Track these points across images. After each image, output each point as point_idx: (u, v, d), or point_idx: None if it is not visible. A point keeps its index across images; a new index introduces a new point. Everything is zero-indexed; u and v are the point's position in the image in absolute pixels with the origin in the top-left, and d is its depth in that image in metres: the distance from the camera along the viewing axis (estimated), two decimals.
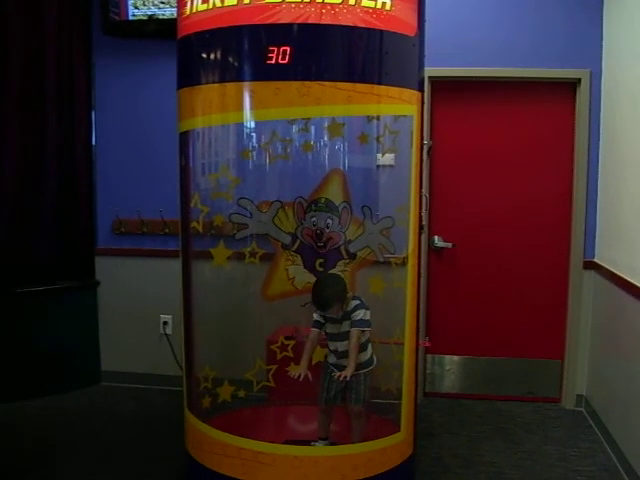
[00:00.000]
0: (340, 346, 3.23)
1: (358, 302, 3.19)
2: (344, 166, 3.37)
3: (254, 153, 3.28)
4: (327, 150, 3.33)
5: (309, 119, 3.25)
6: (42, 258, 4.84)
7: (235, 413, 3.59)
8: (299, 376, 3.18)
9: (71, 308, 4.95)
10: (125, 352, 5.04)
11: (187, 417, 3.31)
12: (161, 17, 4.61)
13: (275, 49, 2.75)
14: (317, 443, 3.26)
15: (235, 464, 3.01)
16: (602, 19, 4.46)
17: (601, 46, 4.48)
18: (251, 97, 2.88)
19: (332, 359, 3.28)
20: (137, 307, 4.97)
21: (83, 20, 4.88)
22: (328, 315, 3.18)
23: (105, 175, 5.01)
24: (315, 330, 3.25)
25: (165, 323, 4.93)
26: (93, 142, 5.00)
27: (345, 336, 3.19)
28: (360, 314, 3.15)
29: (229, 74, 2.92)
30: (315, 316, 3.24)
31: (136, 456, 3.87)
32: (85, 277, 5.04)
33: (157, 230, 4.87)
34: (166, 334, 4.93)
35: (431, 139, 4.57)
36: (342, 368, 3.16)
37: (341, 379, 3.11)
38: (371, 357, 3.29)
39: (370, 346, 3.27)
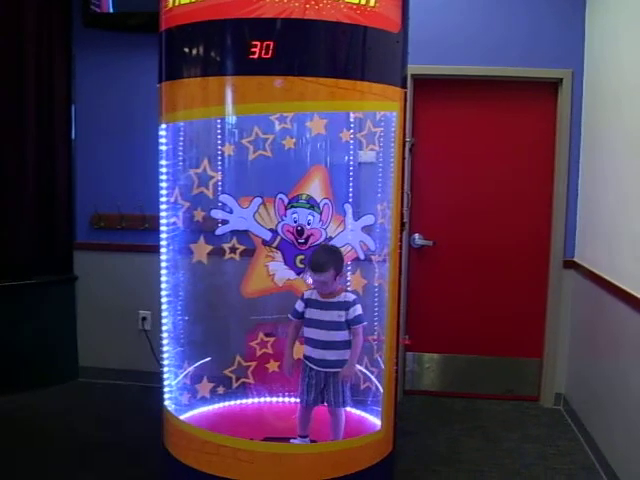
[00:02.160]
0: (319, 334, 3.13)
1: (355, 297, 3.15)
2: (326, 162, 3.36)
3: (235, 148, 3.26)
4: (309, 146, 3.31)
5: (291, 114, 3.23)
6: (20, 252, 4.79)
7: (214, 410, 3.57)
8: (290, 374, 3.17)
9: (49, 303, 4.91)
10: (103, 348, 5.00)
11: (165, 414, 3.29)
12: (142, 10, 4.56)
13: (258, 44, 2.73)
14: (296, 441, 3.24)
15: (214, 461, 2.99)
16: (584, 19, 4.48)
17: (583, 46, 4.50)
18: (233, 92, 2.85)
19: (307, 350, 3.17)
20: (116, 302, 4.93)
21: (63, 12, 4.83)
22: (314, 297, 3.13)
23: (84, 169, 4.97)
24: (294, 320, 3.20)
25: (144, 319, 4.90)
26: (72, 136, 4.96)
27: (328, 326, 3.11)
28: (358, 309, 3.10)
29: (211, 68, 2.90)
30: (297, 305, 3.20)
31: (114, 453, 3.85)
32: (63, 272, 5.01)
33: (137, 225, 4.84)
34: (145, 330, 4.90)
35: (413, 137, 4.57)
36: (317, 361, 3.12)
37: (346, 380, 3.11)
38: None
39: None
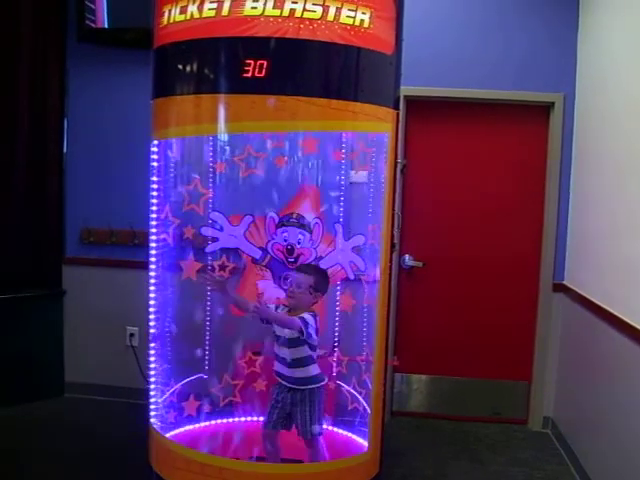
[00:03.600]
0: (280, 351, 3.18)
1: (313, 313, 3.14)
2: (317, 182, 3.36)
3: (227, 166, 3.26)
4: (300, 165, 3.31)
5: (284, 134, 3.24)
6: (8, 265, 4.76)
7: (200, 428, 3.55)
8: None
9: (36, 317, 4.86)
10: (90, 363, 4.96)
11: (151, 431, 3.27)
12: (137, 26, 4.57)
13: (252, 62, 2.74)
14: None
15: None
16: (576, 45, 4.51)
17: (575, 71, 4.52)
18: (226, 110, 2.86)
19: (277, 366, 3.21)
20: (103, 318, 4.90)
21: (58, 27, 4.82)
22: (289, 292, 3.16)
23: (75, 183, 4.95)
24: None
25: (131, 335, 4.87)
26: (64, 150, 4.94)
27: (287, 343, 3.13)
28: (308, 318, 3.07)
29: (204, 86, 2.91)
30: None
31: (99, 470, 3.81)
32: (52, 286, 4.97)
33: (126, 240, 4.82)
34: (132, 346, 4.87)
35: (405, 158, 4.58)
36: (281, 376, 3.15)
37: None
38: (320, 375, 3.21)
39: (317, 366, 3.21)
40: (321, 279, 3.16)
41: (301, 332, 3.05)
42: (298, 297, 3.12)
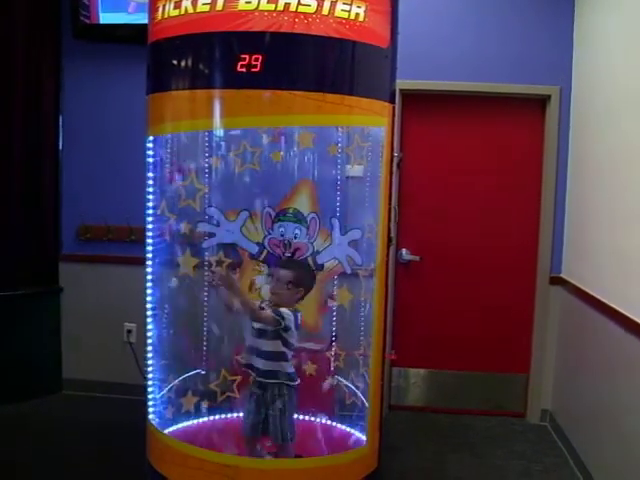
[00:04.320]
0: (256, 343, 3.15)
1: (294, 309, 3.13)
2: (313, 176, 3.35)
3: (222, 161, 3.25)
4: (296, 160, 3.30)
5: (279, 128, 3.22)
6: (5, 263, 4.76)
7: (198, 424, 3.54)
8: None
9: (34, 314, 4.86)
10: (88, 360, 4.96)
11: (149, 427, 3.26)
12: (132, 22, 4.56)
13: (247, 57, 2.73)
14: None
15: (197, 476, 2.97)
16: (573, 37, 4.51)
17: (571, 64, 4.52)
18: (221, 105, 2.86)
19: (247, 359, 3.17)
20: (101, 314, 4.90)
21: (53, 23, 4.82)
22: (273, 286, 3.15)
23: (71, 180, 4.94)
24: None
25: (129, 331, 4.87)
26: (60, 146, 4.94)
27: (259, 334, 3.12)
28: (285, 312, 3.07)
29: (199, 81, 2.89)
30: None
31: (97, 466, 3.81)
32: (49, 283, 4.97)
33: (123, 237, 4.82)
34: (130, 342, 4.87)
35: (401, 152, 4.57)
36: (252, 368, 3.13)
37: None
38: (292, 374, 3.16)
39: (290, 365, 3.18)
40: (302, 274, 3.15)
41: (277, 323, 3.05)
42: (279, 293, 3.11)
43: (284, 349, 3.13)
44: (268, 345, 3.12)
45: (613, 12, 3.88)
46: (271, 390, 3.12)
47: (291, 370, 3.16)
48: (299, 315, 3.14)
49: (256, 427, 3.15)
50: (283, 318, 3.06)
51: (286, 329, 3.07)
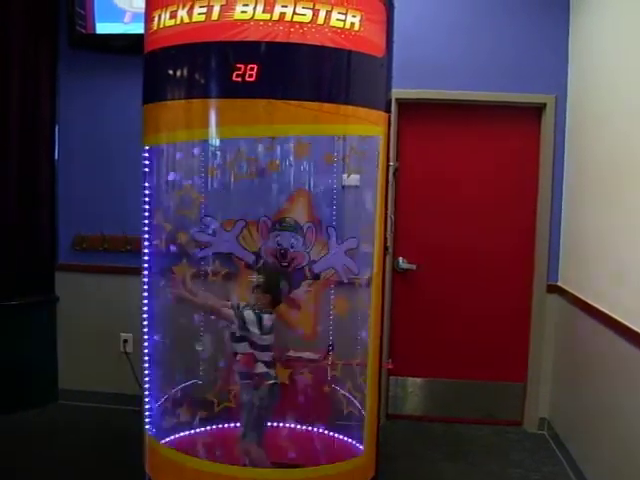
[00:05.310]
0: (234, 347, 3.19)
1: (259, 311, 3.15)
2: (309, 186, 3.35)
3: (219, 171, 3.25)
4: (293, 169, 3.30)
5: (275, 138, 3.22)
6: (1, 272, 4.74)
7: (195, 434, 3.53)
8: None
9: (30, 324, 4.85)
10: (84, 370, 4.94)
11: (145, 438, 3.25)
12: (128, 32, 4.57)
13: (242, 67, 2.73)
14: None
15: None
16: (568, 46, 4.52)
17: (567, 72, 4.53)
18: (217, 114, 2.86)
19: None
20: (97, 324, 4.89)
21: (49, 32, 4.82)
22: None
23: (67, 190, 4.94)
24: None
25: (125, 341, 4.86)
26: (56, 156, 4.93)
27: (239, 338, 3.16)
28: (247, 313, 3.13)
29: (195, 90, 2.90)
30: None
31: (94, 477, 3.80)
32: (45, 293, 4.95)
33: (119, 246, 4.81)
34: (126, 352, 4.86)
35: (397, 161, 4.58)
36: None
37: None
38: (266, 374, 3.17)
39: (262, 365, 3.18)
40: (267, 280, 3.19)
41: (239, 323, 3.11)
42: (254, 297, 3.16)
43: (251, 350, 3.14)
44: (240, 347, 3.16)
45: (608, 20, 3.89)
46: (246, 392, 3.16)
47: (262, 370, 3.16)
48: (265, 317, 3.15)
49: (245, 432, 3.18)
50: (242, 318, 3.11)
51: (247, 330, 3.11)
